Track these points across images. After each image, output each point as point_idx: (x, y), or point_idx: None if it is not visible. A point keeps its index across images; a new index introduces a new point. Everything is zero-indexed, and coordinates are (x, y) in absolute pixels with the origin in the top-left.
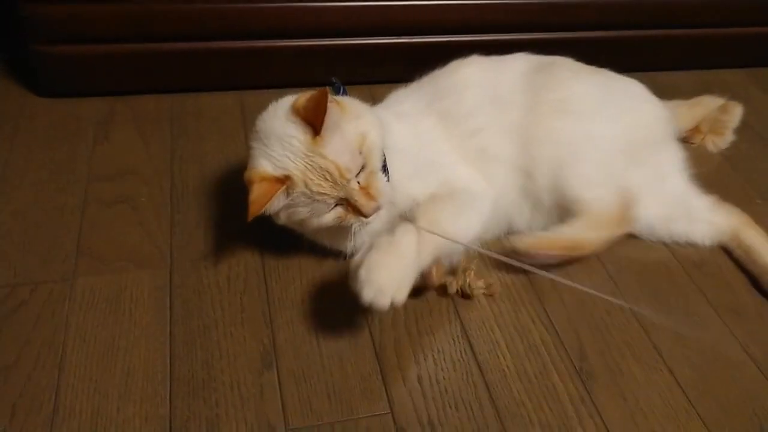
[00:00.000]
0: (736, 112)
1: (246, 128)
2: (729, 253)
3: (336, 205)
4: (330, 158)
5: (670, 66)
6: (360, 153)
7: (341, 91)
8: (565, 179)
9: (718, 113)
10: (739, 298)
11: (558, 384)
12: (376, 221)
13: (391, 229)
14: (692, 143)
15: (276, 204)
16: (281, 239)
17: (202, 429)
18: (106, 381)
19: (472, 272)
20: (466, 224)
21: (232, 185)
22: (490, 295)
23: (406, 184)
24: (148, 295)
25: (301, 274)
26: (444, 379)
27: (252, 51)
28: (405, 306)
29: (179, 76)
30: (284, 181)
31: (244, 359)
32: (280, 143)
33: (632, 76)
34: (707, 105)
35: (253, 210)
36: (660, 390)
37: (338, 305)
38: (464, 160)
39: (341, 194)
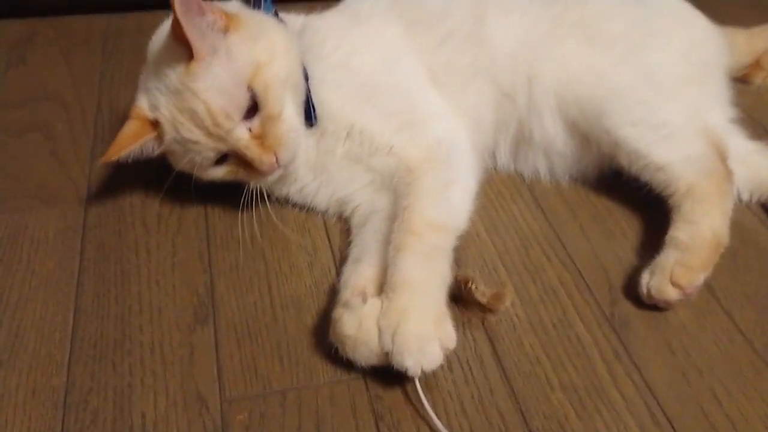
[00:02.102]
0: None
1: None
2: None
3: (223, 158)
4: (201, 97)
5: None
6: (249, 90)
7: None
8: (628, 139)
9: None
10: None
11: (583, 335)
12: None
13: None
14: (750, 83)
15: (143, 150)
16: None
17: (107, 403)
18: None
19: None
20: (459, 200)
21: None
22: (489, 311)
23: (356, 110)
24: (54, 236)
25: (251, 208)
26: None
27: None
28: None
29: None
30: (156, 125)
31: (171, 313)
32: (156, 73)
33: None
34: None
35: (109, 153)
36: (717, 339)
37: (297, 242)
38: (430, 82)
39: (222, 146)
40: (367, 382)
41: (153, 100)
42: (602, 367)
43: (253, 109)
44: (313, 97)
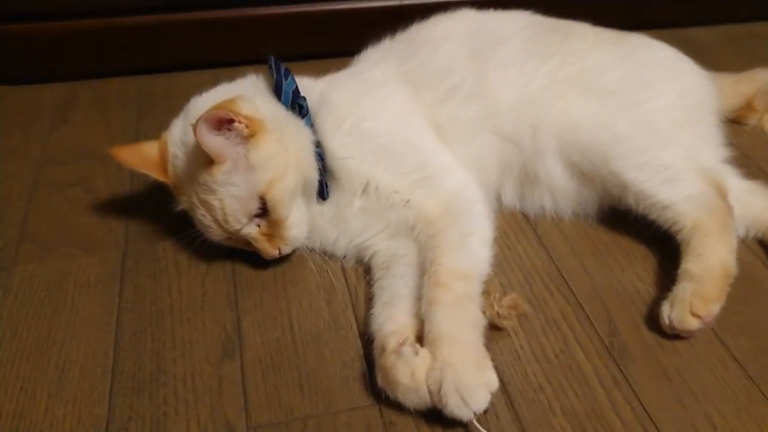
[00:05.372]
0: None
1: None
2: (766, 247)
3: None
4: (218, 195)
5: (694, 21)
6: (260, 199)
7: (281, 74)
8: (634, 181)
9: None
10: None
11: (584, 364)
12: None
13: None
14: (746, 124)
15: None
16: None
17: (145, 430)
18: (35, 378)
19: (497, 295)
20: (480, 249)
21: None
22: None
23: (370, 169)
24: (95, 281)
25: None
26: None
27: (231, 21)
28: None
29: (148, 55)
30: (171, 181)
31: (201, 348)
32: (184, 149)
33: (655, 34)
34: (759, 79)
35: (121, 156)
36: (712, 366)
37: (316, 282)
38: (438, 138)
39: (232, 234)
40: (381, 410)
41: (176, 162)
42: (602, 394)
43: (263, 210)
44: (329, 166)
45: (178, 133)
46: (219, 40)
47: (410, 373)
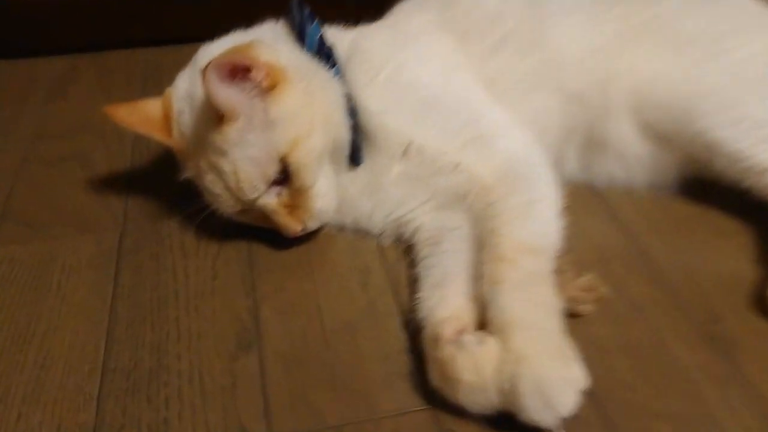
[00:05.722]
0: None
1: None
2: None
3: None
4: (230, 158)
5: None
6: (281, 162)
7: (304, 16)
8: (727, 140)
9: None
10: None
11: (684, 357)
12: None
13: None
14: None
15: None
16: None
17: None
18: (8, 378)
19: (569, 275)
20: (548, 217)
21: None
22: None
23: (412, 127)
24: (87, 263)
25: None
26: None
27: None
28: None
29: (155, 26)
30: (176, 144)
31: (211, 340)
32: (192, 101)
33: None
34: None
35: (118, 116)
36: None
37: (348, 263)
38: (491, 95)
39: (246, 206)
40: (437, 414)
41: (182, 119)
42: (713, 394)
43: (283, 176)
44: (362, 125)
45: (185, 86)
46: (232, 10)
47: (473, 367)
